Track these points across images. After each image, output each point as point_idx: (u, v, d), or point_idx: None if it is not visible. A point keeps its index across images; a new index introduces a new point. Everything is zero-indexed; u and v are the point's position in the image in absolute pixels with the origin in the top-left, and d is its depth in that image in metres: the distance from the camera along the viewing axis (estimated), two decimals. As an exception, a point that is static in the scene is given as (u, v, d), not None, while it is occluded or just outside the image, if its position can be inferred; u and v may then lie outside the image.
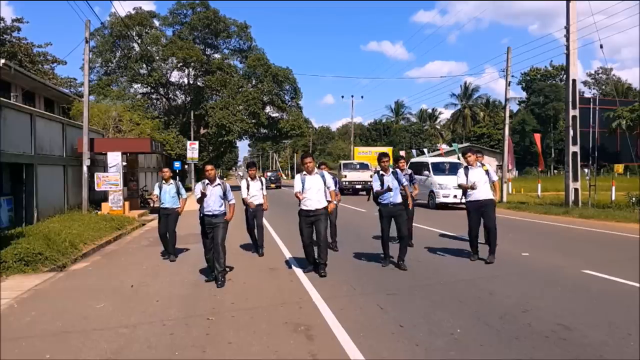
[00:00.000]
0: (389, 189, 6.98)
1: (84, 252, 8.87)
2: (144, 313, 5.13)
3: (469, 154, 7.85)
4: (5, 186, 11.83)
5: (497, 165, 53.15)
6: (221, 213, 6.56)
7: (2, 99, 11.61)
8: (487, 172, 7.70)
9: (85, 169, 14.44)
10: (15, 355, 4.02)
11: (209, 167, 6.75)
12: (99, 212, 14.48)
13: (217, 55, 41.70)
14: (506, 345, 4.07)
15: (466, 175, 7.70)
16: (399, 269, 7.03)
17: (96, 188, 15.39)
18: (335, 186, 7.25)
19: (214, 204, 6.53)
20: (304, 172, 6.82)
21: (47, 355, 3.98)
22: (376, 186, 7.13)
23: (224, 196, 6.62)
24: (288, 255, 8.47)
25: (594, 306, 5.21)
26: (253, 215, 8.52)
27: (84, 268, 7.92)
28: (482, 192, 7.56)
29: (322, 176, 6.85)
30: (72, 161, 15.29)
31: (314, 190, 6.69)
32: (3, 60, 15.50)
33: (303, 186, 6.74)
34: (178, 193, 8.42)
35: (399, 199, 7.12)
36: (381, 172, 7.18)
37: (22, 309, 5.42)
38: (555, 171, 54.78)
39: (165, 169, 8.61)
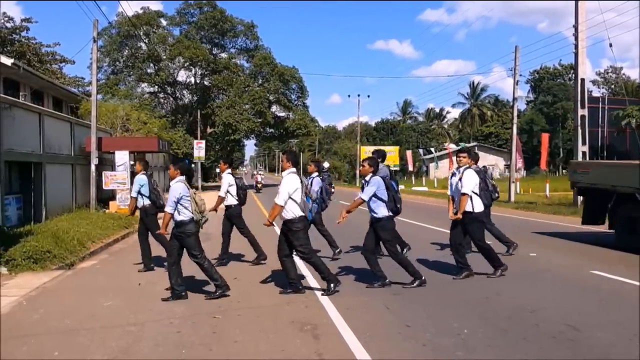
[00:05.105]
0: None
1: (91, 251, 8.92)
2: (151, 311, 5.16)
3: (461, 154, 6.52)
4: (14, 185, 11.93)
5: (505, 165, 52.64)
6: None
7: (11, 98, 11.73)
8: (460, 179, 6.34)
9: (93, 167, 14.55)
10: (24, 352, 4.06)
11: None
12: (107, 211, 14.58)
13: (223, 55, 41.89)
14: (513, 345, 4.04)
15: (450, 184, 6.56)
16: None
17: (104, 187, 15.50)
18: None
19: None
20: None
21: (55, 352, 4.01)
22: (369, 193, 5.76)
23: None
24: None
25: (602, 307, 5.17)
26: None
27: (92, 266, 7.97)
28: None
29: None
30: (80, 160, 15.41)
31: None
32: (12, 60, 15.64)
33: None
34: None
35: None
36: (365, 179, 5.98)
37: (31, 306, 5.46)
38: (564, 171, 54.28)
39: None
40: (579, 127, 17.02)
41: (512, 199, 21.04)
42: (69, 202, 14.29)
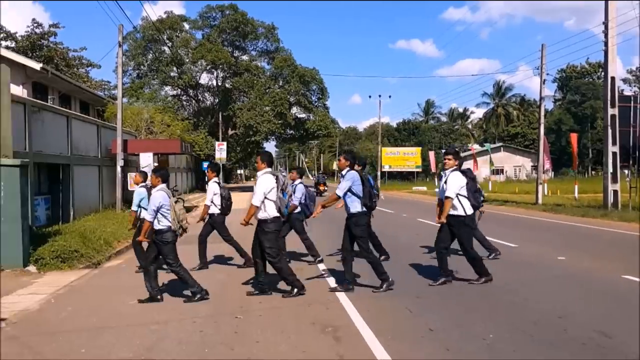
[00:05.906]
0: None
1: (117, 250, 9.12)
2: (174, 310, 5.22)
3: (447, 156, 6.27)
4: (43, 186, 12.29)
5: (532, 166, 51.34)
6: None
7: (40, 101, 12.09)
8: (446, 182, 6.10)
9: (119, 169, 14.88)
10: (52, 349, 4.16)
11: None
12: (132, 211, 14.88)
13: (244, 57, 42.24)
14: (541, 351, 3.92)
15: (440, 187, 6.38)
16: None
17: (129, 187, 15.81)
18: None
19: None
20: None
21: (82, 350, 4.10)
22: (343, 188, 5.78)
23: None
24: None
25: (634, 313, 4.97)
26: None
27: (118, 265, 8.14)
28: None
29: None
30: (107, 161, 15.79)
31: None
32: (41, 64, 16.12)
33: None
34: None
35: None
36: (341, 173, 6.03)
37: (59, 304, 5.61)
38: (593, 172, 52.73)
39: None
40: (609, 127, 16.49)
41: (540, 201, 20.54)
42: (95, 202, 14.64)
